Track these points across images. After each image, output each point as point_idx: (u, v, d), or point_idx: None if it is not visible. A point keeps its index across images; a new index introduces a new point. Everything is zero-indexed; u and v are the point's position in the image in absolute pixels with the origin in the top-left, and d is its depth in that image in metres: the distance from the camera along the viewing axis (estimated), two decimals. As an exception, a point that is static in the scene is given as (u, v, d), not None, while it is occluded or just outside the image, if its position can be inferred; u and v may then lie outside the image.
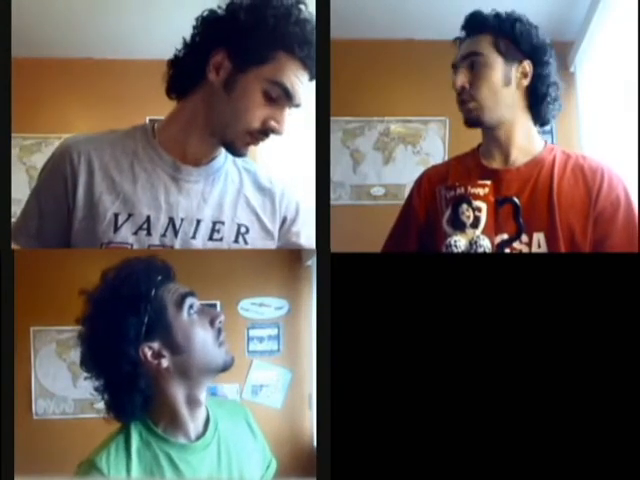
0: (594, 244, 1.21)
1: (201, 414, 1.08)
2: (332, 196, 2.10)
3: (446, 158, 2.30)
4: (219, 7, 1.07)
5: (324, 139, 1.33)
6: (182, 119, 1.15)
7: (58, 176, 1.14)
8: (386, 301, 1.27)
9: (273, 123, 1.09)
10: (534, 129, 1.31)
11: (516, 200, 1.16)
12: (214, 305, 2.18)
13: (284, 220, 1.22)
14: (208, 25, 1.08)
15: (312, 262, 2.08)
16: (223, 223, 1.15)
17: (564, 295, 1.26)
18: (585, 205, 1.21)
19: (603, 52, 1.98)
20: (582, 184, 1.23)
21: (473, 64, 1.24)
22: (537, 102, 1.28)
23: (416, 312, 1.27)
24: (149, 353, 1.01)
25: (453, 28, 2.21)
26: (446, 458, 1.26)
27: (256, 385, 2.32)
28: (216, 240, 1.14)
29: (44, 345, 2.23)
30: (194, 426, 1.06)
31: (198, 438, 1.06)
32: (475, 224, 1.12)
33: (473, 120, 1.26)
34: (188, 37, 1.09)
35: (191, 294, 1.05)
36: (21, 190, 2.26)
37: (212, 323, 1.05)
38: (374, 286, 1.27)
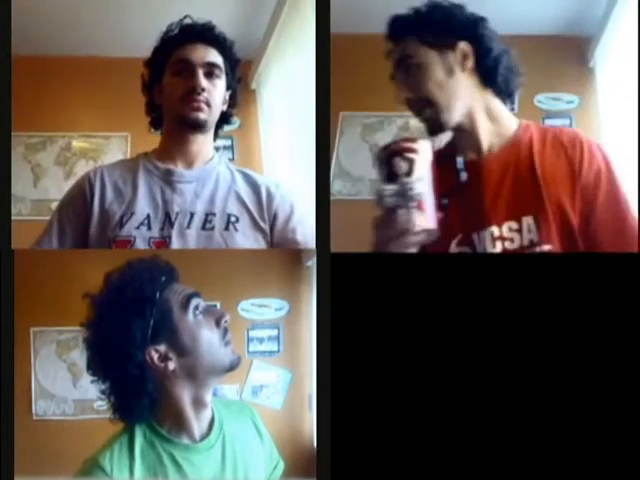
0: (582, 217, 1.19)
1: (206, 415, 1.08)
2: (352, 191, 2.10)
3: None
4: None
5: (324, 139, 1.33)
6: (167, 133, 1.35)
7: (79, 193, 1.31)
8: (386, 301, 1.27)
9: (190, 83, 1.29)
10: (500, 107, 1.25)
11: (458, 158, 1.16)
12: (214, 306, 2.18)
13: (275, 217, 1.28)
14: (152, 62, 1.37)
15: (312, 262, 2.08)
16: (215, 214, 1.25)
17: (564, 295, 1.26)
18: (570, 178, 1.18)
19: (623, 47, 1.98)
20: (564, 157, 1.20)
21: (408, 69, 1.20)
22: (490, 78, 1.22)
23: (416, 312, 1.27)
24: (156, 356, 1.01)
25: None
26: (446, 458, 1.26)
27: (256, 386, 2.32)
28: (208, 229, 1.24)
29: (44, 346, 2.22)
30: (199, 427, 1.06)
31: (202, 439, 1.06)
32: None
33: (436, 127, 1.22)
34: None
35: (196, 295, 1.06)
36: (26, 188, 2.27)
37: (218, 323, 1.06)
38: (374, 286, 1.27)
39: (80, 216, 1.30)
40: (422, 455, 1.26)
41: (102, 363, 1.04)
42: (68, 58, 2.32)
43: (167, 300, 1.03)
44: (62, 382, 2.22)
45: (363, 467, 1.26)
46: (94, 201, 1.28)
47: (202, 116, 1.29)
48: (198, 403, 1.06)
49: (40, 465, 1.92)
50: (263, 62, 2.25)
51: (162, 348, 1.02)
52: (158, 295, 1.02)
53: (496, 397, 1.26)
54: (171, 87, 1.32)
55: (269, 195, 1.30)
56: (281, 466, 1.16)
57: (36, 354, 2.21)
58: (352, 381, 1.26)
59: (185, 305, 1.04)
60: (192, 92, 1.29)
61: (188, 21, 1.35)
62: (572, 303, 1.26)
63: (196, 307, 1.04)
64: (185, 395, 1.04)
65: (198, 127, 1.31)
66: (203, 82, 1.30)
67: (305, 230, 1.29)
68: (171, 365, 1.02)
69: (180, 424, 1.04)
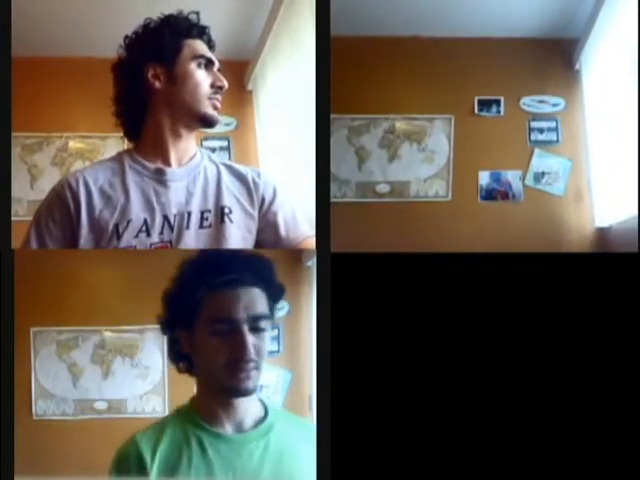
0: None
1: (241, 408, 1.08)
2: (337, 193, 2.16)
3: (451, 155, 2.31)
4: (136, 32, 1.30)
5: (324, 141, 1.33)
6: (153, 131, 1.29)
7: (60, 203, 1.23)
8: (386, 301, 1.27)
9: (218, 82, 1.28)
10: None
11: None
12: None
13: (262, 201, 1.29)
14: (133, 53, 1.29)
15: (312, 262, 2.08)
16: (210, 211, 1.25)
17: (564, 295, 1.26)
18: None
19: (608, 50, 1.99)
20: None
21: None
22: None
23: (416, 312, 1.27)
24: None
25: (459, 25, 2.22)
26: (445, 458, 1.26)
27: (256, 386, 2.32)
28: (206, 227, 1.24)
29: (44, 346, 2.23)
30: (233, 418, 1.08)
31: (240, 432, 1.07)
32: None
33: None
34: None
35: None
36: (23, 189, 2.27)
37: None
38: (374, 286, 1.27)
39: (64, 229, 1.22)
40: (422, 454, 1.26)
41: None
42: (64, 59, 2.32)
43: None
44: (62, 382, 2.22)
45: (363, 467, 1.26)
46: (81, 211, 1.21)
47: (217, 115, 1.29)
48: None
49: (40, 465, 1.92)
50: (259, 63, 2.25)
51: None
52: None
53: (495, 398, 1.26)
54: (194, 80, 1.26)
55: (255, 183, 1.31)
56: None
57: (36, 354, 2.21)
58: (352, 381, 1.26)
59: None
60: (218, 90, 1.28)
61: (192, 15, 1.32)
62: (572, 303, 1.26)
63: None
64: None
65: (212, 125, 1.30)
66: (225, 81, 1.28)
67: (286, 214, 1.29)
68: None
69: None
